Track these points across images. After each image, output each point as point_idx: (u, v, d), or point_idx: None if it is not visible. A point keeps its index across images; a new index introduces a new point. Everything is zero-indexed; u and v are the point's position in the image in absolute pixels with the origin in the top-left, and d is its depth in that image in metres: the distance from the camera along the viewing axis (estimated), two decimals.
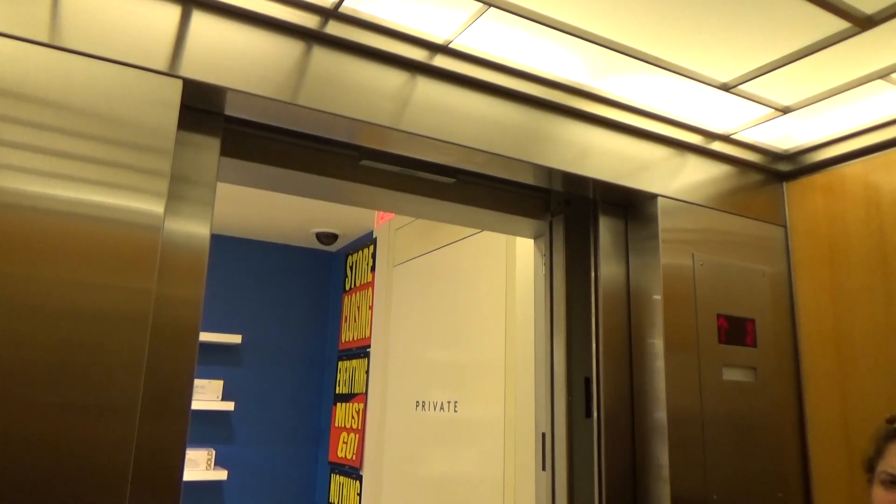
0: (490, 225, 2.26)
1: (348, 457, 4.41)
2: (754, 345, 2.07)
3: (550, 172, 1.88)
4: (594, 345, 1.96)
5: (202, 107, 1.50)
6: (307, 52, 1.53)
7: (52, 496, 1.14)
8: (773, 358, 2.11)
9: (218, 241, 4.88)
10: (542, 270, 2.15)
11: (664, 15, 1.54)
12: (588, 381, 1.95)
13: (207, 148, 1.51)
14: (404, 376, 3.40)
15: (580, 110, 1.88)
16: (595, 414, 1.90)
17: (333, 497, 4.64)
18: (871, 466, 1.24)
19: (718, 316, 2.01)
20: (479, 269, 2.90)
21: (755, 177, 2.26)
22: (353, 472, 4.34)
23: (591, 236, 2.05)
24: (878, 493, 1.20)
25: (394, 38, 1.61)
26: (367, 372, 4.21)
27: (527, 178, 1.97)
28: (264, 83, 1.46)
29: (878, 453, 1.23)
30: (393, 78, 1.63)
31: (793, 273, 2.22)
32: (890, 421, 1.25)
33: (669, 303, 1.94)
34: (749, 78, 1.79)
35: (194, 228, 1.46)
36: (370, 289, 4.46)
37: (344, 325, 4.89)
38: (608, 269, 2.02)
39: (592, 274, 2.02)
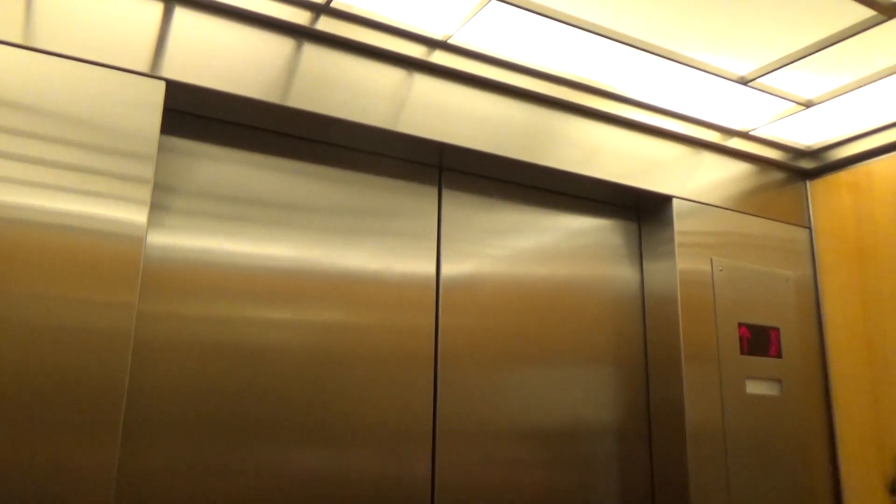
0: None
1: None
2: (779, 355, 1.99)
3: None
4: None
5: (186, 109, 1.44)
6: (297, 50, 1.47)
7: None
8: (799, 369, 2.02)
9: None
10: None
11: (677, 5, 1.48)
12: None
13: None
14: None
15: (588, 108, 1.82)
16: None
17: None
18: (895, 489, 1.14)
19: (740, 325, 1.94)
20: None
21: (776, 175, 2.19)
22: None
23: (437, 212, 1.75)
24: None
25: (389, 33, 1.55)
26: None
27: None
28: (252, 84, 1.40)
29: None
30: (389, 76, 1.57)
31: (819, 277, 2.15)
32: None
33: (687, 311, 1.86)
34: (769, 70, 1.73)
35: None
36: None
37: None
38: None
39: (435, 262, 1.71)
